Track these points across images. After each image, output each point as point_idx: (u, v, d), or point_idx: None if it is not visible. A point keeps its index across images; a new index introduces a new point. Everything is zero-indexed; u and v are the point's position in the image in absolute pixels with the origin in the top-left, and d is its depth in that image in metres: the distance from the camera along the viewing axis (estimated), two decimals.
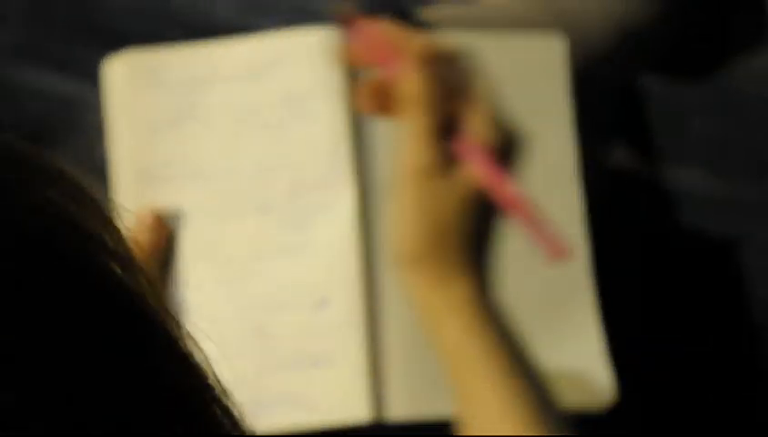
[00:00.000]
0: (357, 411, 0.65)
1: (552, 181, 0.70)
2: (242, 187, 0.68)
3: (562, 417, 0.59)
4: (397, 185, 0.59)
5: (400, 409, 0.66)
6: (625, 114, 1.28)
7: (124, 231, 0.34)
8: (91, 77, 1.30)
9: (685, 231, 1.25)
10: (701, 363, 1.19)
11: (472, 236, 0.59)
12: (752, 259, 1.24)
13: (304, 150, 0.68)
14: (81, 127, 1.30)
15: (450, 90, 0.58)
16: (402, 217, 0.59)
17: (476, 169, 0.58)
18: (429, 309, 0.59)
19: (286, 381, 0.66)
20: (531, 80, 0.70)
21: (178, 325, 0.35)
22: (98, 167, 0.70)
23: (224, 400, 0.36)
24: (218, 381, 0.36)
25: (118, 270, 0.32)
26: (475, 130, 0.58)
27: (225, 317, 0.66)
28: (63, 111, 1.31)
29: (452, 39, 0.71)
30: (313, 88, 0.68)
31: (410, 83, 0.58)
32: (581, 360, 0.68)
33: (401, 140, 0.58)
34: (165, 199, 0.68)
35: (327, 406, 0.65)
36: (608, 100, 1.08)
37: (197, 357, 0.36)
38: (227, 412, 0.36)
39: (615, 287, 0.72)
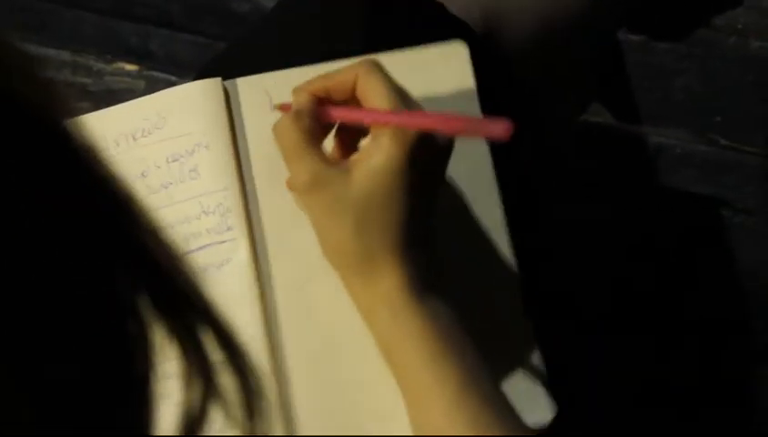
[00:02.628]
0: None
1: (474, 188, 0.68)
2: None
3: (494, 393, 0.58)
4: (298, 204, 0.61)
5: None
6: (608, 74, 1.26)
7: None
8: (49, 35, 1.29)
9: (666, 189, 1.25)
10: (682, 317, 1.19)
11: (394, 223, 0.58)
12: (732, 218, 1.24)
13: (194, 207, 0.66)
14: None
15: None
16: (316, 229, 0.60)
17: (387, 122, 0.58)
18: (360, 307, 0.60)
19: None
20: (440, 88, 0.69)
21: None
22: None
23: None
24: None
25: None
26: (375, 101, 0.58)
27: None
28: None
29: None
30: (197, 143, 0.67)
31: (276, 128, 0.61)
32: (519, 383, 0.66)
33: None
34: None
35: None
36: (589, 61, 1.06)
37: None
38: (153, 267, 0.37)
39: (598, 245, 0.71)
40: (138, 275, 0.36)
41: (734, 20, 1.25)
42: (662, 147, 1.26)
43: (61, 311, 0.32)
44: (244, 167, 0.67)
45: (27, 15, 1.31)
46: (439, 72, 0.69)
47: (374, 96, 0.58)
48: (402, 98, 0.58)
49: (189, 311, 0.38)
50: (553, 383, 0.66)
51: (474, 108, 0.69)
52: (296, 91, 0.61)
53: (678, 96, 1.26)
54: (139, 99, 0.68)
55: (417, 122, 0.57)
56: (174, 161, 0.67)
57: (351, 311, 0.63)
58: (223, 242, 0.66)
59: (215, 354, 0.39)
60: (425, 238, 0.59)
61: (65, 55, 1.31)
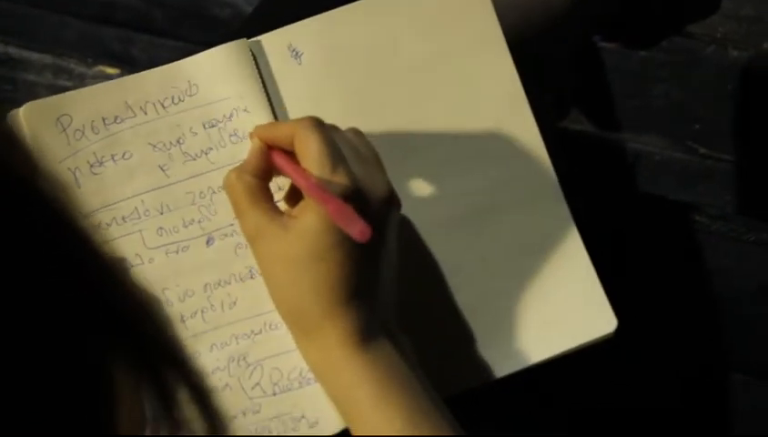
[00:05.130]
0: None
1: (505, 111, 0.70)
2: (183, 218, 0.65)
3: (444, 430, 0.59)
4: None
5: None
6: (588, 80, 1.27)
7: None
8: (32, 39, 1.29)
9: (644, 197, 1.25)
10: (658, 324, 1.20)
11: (325, 281, 0.58)
12: (710, 226, 1.24)
13: None
14: (16, 85, 1.29)
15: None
16: (265, 282, 0.61)
17: (299, 185, 0.59)
18: (308, 363, 0.61)
19: (279, 404, 0.64)
20: (461, 16, 0.70)
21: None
22: None
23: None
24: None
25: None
26: (304, 161, 0.59)
27: (201, 354, 0.64)
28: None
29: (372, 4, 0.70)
30: (234, 108, 0.66)
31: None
32: (579, 296, 0.69)
33: None
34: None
35: (330, 418, 0.63)
36: (567, 66, 1.06)
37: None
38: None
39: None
40: (109, 329, 0.36)
41: (713, 29, 1.26)
42: (641, 154, 1.26)
43: (28, 370, 0.32)
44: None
45: (9, 19, 1.32)
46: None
47: (304, 157, 0.59)
48: (332, 161, 0.58)
49: (160, 362, 0.38)
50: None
51: (495, 32, 0.70)
52: (251, 134, 0.63)
53: (657, 104, 1.26)
54: (165, 66, 0.67)
55: (313, 194, 0.57)
56: (211, 127, 0.66)
57: (429, 259, 0.67)
58: (278, 201, 0.65)
59: (185, 400, 0.39)
60: (366, 292, 0.59)
61: (47, 59, 1.31)
